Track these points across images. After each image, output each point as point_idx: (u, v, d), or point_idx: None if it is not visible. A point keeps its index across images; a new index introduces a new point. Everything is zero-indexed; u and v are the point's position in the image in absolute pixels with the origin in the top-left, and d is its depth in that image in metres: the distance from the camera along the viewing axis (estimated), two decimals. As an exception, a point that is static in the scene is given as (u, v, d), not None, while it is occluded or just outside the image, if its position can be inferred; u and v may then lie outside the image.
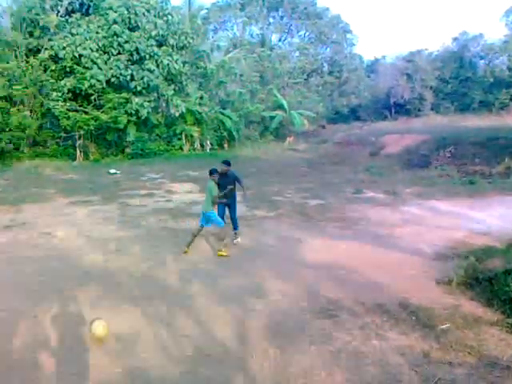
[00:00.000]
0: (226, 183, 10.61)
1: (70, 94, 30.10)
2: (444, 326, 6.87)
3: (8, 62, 28.85)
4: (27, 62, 29.56)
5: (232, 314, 7.40)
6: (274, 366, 5.99)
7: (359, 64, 60.17)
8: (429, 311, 7.34)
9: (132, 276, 9.03)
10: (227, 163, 10.93)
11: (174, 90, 33.14)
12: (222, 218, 10.76)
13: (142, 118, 31.33)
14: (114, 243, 11.15)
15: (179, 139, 34.30)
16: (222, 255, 10.15)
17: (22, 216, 14.02)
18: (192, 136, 34.57)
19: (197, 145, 35.44)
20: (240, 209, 14.21)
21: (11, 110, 28.76)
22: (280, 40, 58.51)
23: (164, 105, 33.79)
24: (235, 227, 11.39)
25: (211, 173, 10.17)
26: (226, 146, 37.91)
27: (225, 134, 37.38)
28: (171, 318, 7.23)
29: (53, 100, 29.41)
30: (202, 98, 35.15)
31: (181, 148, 34.34)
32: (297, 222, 13.02)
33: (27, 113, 29.80)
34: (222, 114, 37.08)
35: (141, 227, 12.77)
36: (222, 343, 6.53)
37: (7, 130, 28.68)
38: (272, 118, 41.75)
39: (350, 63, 57.35)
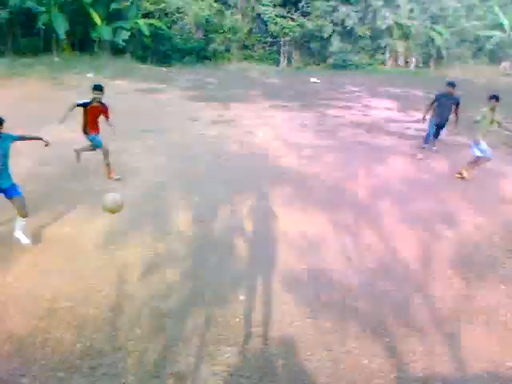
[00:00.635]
0: (447, 104, 10.93)
1: (280, 0, 30.53)
2: None
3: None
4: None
5: (419, 236, 7.34)
6: (457, 296, 5.92)
7: None
8: None
9: (324, 183, 9.41)
10: (452, 84, 11.11)
11: (384, 0, 31.52)
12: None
13: (348, 28, 30.66)
14: (308, 150, 11.59)
15: (383, 53, 33.06)
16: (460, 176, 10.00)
17: (229, 114, 15.18)
18: (397, 51, 33.02)
19: (401, 61, 33.85)
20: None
21: (225, 12, 30.31)
22: None
23: (371, 16, 32.48)
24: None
25: None
26: (432, 64, 35.54)
27: (433, 51, 34.92)
28: (357, 229, 7.45)
29: (264, 5, 30.18)
30: (412, 10, 32.88)
31: (383, 63, 33.16)
32: (505, 155, 12.02)
33: (239, 16, 31.15)
34: (433, 29, 34.43)
35: (336, 138, 13.00)
36: (405, 262, 6.58)
37: (220, 31, 30.47)
38: (488, 38, 37.58)
39: None
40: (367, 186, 9.34)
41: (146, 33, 28.19)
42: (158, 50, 30.30)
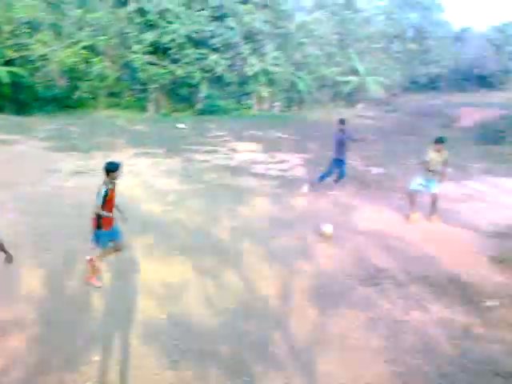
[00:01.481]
0: (342, 139, 11.96)
1: (150, 48, 30.73)
2: (490, 303, 6.76)
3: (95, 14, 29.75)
4: (114, 13, 30.34)
5: (278, 273, 7.60)
6: (312, 326, 6.18)
7: (446, 32, 57.01)
8: (477, 287, 7.24)
9: (186, 228, 9.38)
10: (342, 121, 12.15)
11: (252, 48, 33.07)
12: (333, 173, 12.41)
13: (216, 75, 31.59)
14: (172, 195, 11.54)
15: (249, 99, 34.47)
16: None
17: (91, 163, 14.71)
18: (262, 96, 34.59)
19: (266, 105, 35.50)
20: (301, 171, 14.29)
21: (93, 60, 29.80)
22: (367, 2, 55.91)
23: (239, 63, 33.85)
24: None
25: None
26: (295, 108, 37.70)
27: (295, 95, 37.12)
28: (218, 271, 7.52)
29: (134, 52, 30.17)
30: (277, 57, 34.88)
31: (250, 107, 34.50)
32: (356, 189, 12.91)
33: (107, 63, 30.80)
34: (296, 75, 36.73)
35: (201, 182, 13.11)
36: (265, 300, 6.75)
37: (87, 79, 29.83)
38: (345, 82, 40.90)
39: (436, 30, 54.43)
40: (229, 227, 9.50)
41: (6, 80, 26.71)
42: (17, 98, 28.82)
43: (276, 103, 36.03)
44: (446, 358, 5.54)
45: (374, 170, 15.47)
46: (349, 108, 39.53)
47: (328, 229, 9.17)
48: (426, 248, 8.72)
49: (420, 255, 8.42)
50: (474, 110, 29.25)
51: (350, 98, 41.90)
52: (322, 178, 12.44)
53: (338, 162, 12.21)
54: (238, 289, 6.99)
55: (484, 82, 48.51)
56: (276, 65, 34.43)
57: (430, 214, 10.20)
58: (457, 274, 7.69)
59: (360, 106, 40.34)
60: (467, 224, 10.11)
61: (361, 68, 41.14)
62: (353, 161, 16.94)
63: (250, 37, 32.95)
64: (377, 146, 20.13)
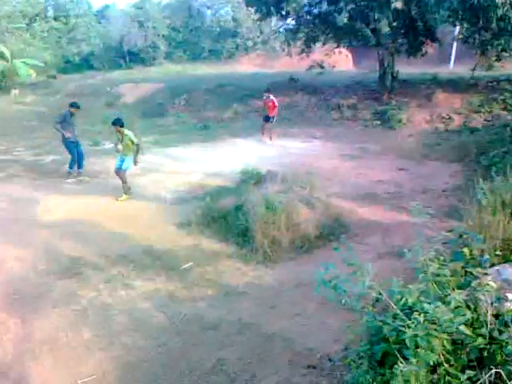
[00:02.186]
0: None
1: None
2: (186, 266, 7.33)
3: None
4: None
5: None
6: (16, 337, 5.66)
7: (87, 10, 57.06)
8: (171, 253, 7.76)
9: None
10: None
11: None
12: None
13: None
14: None
15: None
16: None
17: None
18: None
19: None
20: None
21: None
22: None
23: None
24: None
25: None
26: None
27: None
28: None
29: None
30: None
31: None
32: (30, 181, 12.05)
33: None
34: None
35: None
36: None
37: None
38: (-8, 65, 37.17)
39: (76, 8, 53.95)
40: None
41: None
42: None
43: None
44: (159, 327, 5.80)
45: (47, 158, 14.68)
46: (2, 96, 36.26)
47: None
48: (117, 227, 8.82)
49: (113, 236, 8.48)
50: (133, 86, 30.39)
51: (2, 84, 38.40)
52: (72, 165, 12.56)
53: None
54: None
55: (137, 58, 50.63)
56: None
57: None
58: (150, 245, 8.06)
59: (15, 91, 37.40)
60: (151, 196, 10.62)
61: (5, 50, 37.85)
62: (19, 151, 15.81)
63: None
64: (43, 132, 19.15)
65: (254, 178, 10.41)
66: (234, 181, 11.14)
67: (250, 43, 47.42)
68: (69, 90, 34.04)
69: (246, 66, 40.07)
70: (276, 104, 16.60)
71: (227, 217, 8.73)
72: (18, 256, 7.66)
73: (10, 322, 5.95)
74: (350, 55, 34.73)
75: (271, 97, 16.64)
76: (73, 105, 12.56)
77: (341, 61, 29.31)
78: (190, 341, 5.53)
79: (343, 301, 3.57)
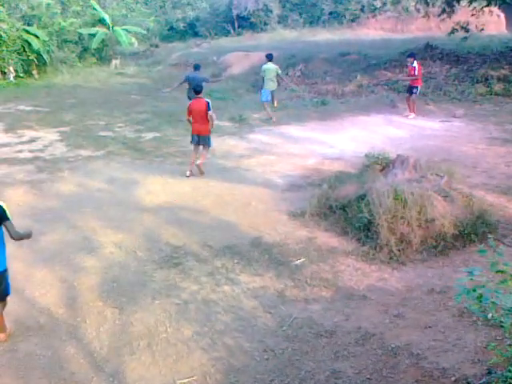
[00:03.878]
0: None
1: None
2: (298, 262, 7.38)
3: None
4: None
5: (57, 275, 7.21)
6: (113, 329, 6.03)
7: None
8: (282, 247, 7.84)
9: None
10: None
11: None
12: None
13: None
14: None
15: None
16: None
17: None
18: (-15, 61, 31.57)
19: (-3, 72, 32.56)
20: (60, 149, 13.66)
21: None
22: None
23: None
24: None
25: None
26: (35, 72, 35.35)
27: (32, 57, 34.72)
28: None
29: None
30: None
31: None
32: (130, 160, 12.77)
33: None
34: (27, 31, 34.19)
35: None
36: (48, 311, 6.38)
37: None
38: (92, 35, 39.43)
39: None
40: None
41: None
42: None
43: (10, 68, 33.29)
44: (266, 330, 5.91)
45: (148, 135, 15.44)
46: (103, 66, 38.56)
47: None
48: (223, 214, 9.11)
49: (217, 223, 8.78)
50: (242, 55, 30.96)
51: (102, 53, 40.69)
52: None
53: None
54: (11, 307, 6.42)
55: (247, 23, 51.38)
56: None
57: None
58: (259, 237, 8.22)
59: (115, 61, 39.56)
60: (259, 181, 10.82)
61: (106, 17, 40.03)
62: (120, 128, 16.75)
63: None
64: (144, 106, 20.13)
65: (380, 164, 10.23)
66: (356, 166, 11.02)
67: (378, 3, 46.19)
68: (172, 60, 35.35)
69: (372, 31, 39.24)
70: (416, 72, 16.24)
71: (347, 208, 8.64)
72: (118, 241, 8.18)
73: (107, 311, 6.37)
74: (502, 15, 32.87)
75: (414, 63, 16.27)
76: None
77: (491, 23, 27.87)
78: (301, 348, 5.57)
79: (489, 315, 3.41)
